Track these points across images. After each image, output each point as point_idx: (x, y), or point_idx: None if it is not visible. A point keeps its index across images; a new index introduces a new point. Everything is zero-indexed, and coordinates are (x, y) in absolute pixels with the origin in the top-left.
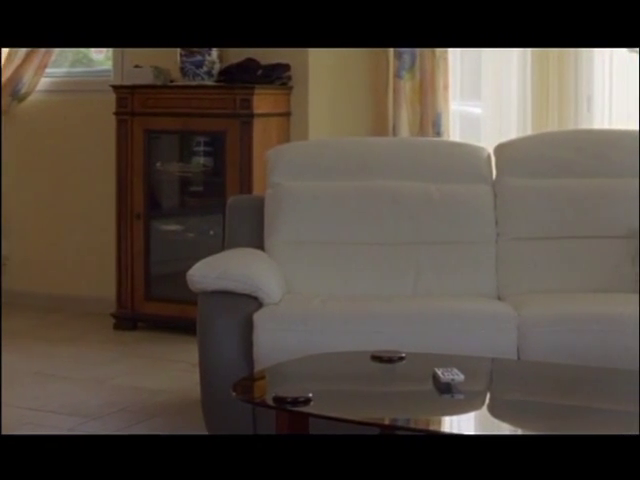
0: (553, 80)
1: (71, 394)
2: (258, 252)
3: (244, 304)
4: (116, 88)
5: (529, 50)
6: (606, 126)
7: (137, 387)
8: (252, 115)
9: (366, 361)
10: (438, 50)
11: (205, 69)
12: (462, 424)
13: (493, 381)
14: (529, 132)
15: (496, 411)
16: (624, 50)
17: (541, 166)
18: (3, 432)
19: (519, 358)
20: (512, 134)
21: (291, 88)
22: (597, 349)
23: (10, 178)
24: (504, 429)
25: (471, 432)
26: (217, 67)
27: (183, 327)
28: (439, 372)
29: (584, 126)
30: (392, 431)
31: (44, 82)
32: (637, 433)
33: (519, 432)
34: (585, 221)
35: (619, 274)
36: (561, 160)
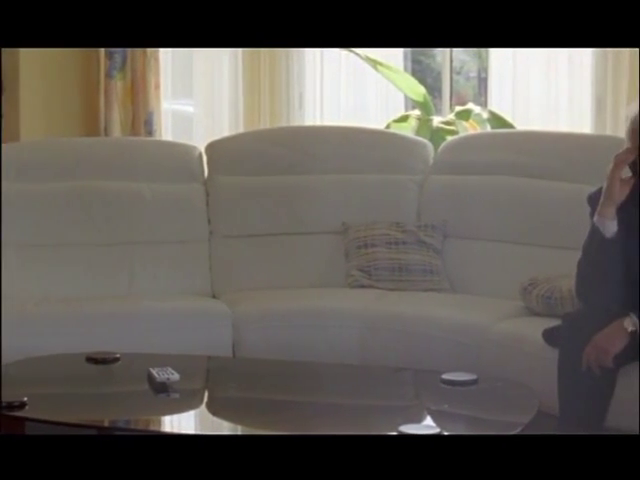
0: (264, 78)
1: None
2: None
3: None
4: None
5: (240, 49)
6: (318, 123)
7: None
8: None
9: (81, 363)
10: (149, 50)
11: None
12: (182, 423)
13: (210, 379)
14: (241, 130)
15: (214, 409)
16: (336, 49)
17: (253, 164)
18: None
19: (235, 355)
20: (224, 132)
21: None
22: (311, 344)
23: None
24: (224, 427)
25: (191, 431)
26: None
27: None
28: (154, 372)
29: (296, 123)
30: (110, 432)
31: None
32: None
33: (239, 429)
34: (297, 218)
35: (332, 269)
36: (272, 157)
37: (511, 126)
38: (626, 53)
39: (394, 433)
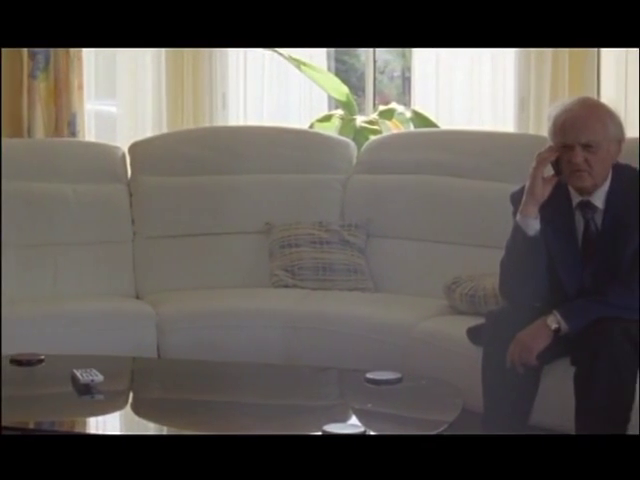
0: (188, 78)
1: None
2: None
3: None
4: None
5: (163, 50)
6: (241, 123)
7: None
8: None
9: (5, 365)
10: (72, 50)
11: None
12: (107, 424)
13: (134, 380)
14: (165, 130)
15: (139, 410)
16: (259, 50)
17: (176, 164)
18: None
19: (159, 356)
20: (148, 133)
21: None
22: (236, 344)
23: None
24: (149, 428)
25: (116, 432)
26: None
27: None
28: (78, 373)
29: (219, 123)
30: (34, 434)
31: None
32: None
33: (164, 430)
34: (221, 218)
35: (256, 269)
36: (196, 157)
37: (434, 125)
38: (549, 53)
39: (319, 433)
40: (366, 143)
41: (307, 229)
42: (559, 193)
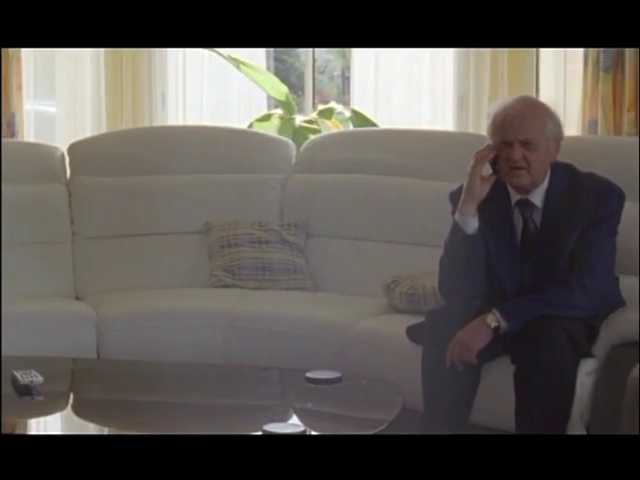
0: (127, 78)
1: None
2: None
3: None
4: None
5: (102, 49)
6: (180, 122)
7: None
8: None
9: None
10: (11, 50)
11: None
12: (47, 425)
13: (75, 381)
14: (104, 130)
15: (79, 411)
16: (198, 49)
17: (115, 164)
18: None
19: (99, 357)
20: (87, 133)
21: None
22: (175, 344)
23: None
24: (90, 428)
25: (57, 432)
26: None
27: None
28: (18, 374)
29: (159, 123)
30: None
31: None
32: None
33: (105, 431)
34: (160, 218)
35: (195, 269)
36: (135, 158)
37: (374, 124)
38: (487, 52)
39: (259, 432)
40: (305, 142)
41: (246, 229)
42: (498, 192)
